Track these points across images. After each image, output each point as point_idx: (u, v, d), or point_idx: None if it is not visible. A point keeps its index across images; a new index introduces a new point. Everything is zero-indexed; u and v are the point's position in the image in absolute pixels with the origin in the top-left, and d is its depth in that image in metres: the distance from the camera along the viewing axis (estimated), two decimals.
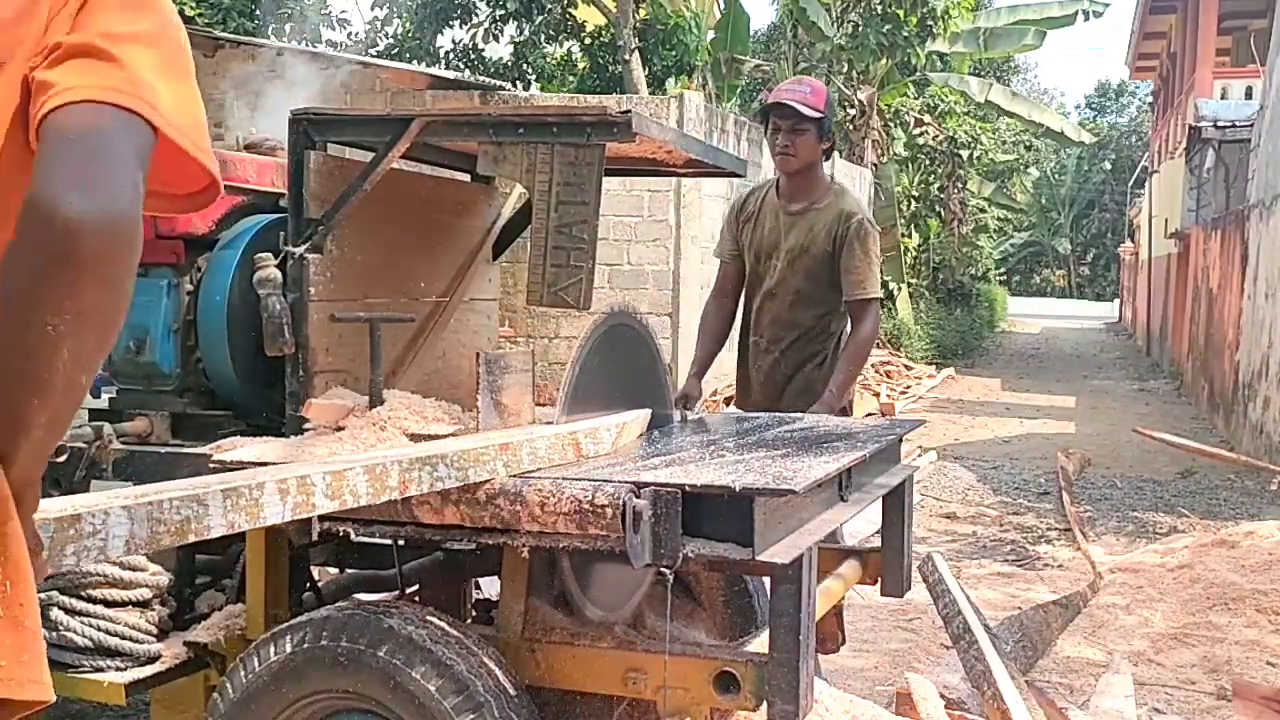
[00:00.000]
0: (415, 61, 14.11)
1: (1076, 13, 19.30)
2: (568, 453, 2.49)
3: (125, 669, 2.73)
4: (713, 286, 4.25)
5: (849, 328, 4.00)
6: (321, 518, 2.31)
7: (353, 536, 2.42)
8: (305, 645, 2.32)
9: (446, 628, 2.33)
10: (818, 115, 3.84)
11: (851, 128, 18.45)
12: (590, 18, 15.01)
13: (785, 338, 4.03)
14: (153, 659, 2.77)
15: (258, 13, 12.43)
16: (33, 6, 1.17)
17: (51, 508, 1.38)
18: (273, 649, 2.35)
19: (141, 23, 1.19)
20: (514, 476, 2.28)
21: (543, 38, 15.09)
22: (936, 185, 22.84)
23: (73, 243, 1.07)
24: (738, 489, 2.17)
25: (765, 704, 2.26)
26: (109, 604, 2.76)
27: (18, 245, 1.09)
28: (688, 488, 2.19)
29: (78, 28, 1.17)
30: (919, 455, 9.24)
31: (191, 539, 1.60)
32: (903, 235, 20.23)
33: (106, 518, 1.46)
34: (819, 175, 4.02)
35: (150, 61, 1.17)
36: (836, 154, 16.76)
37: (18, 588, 1.11)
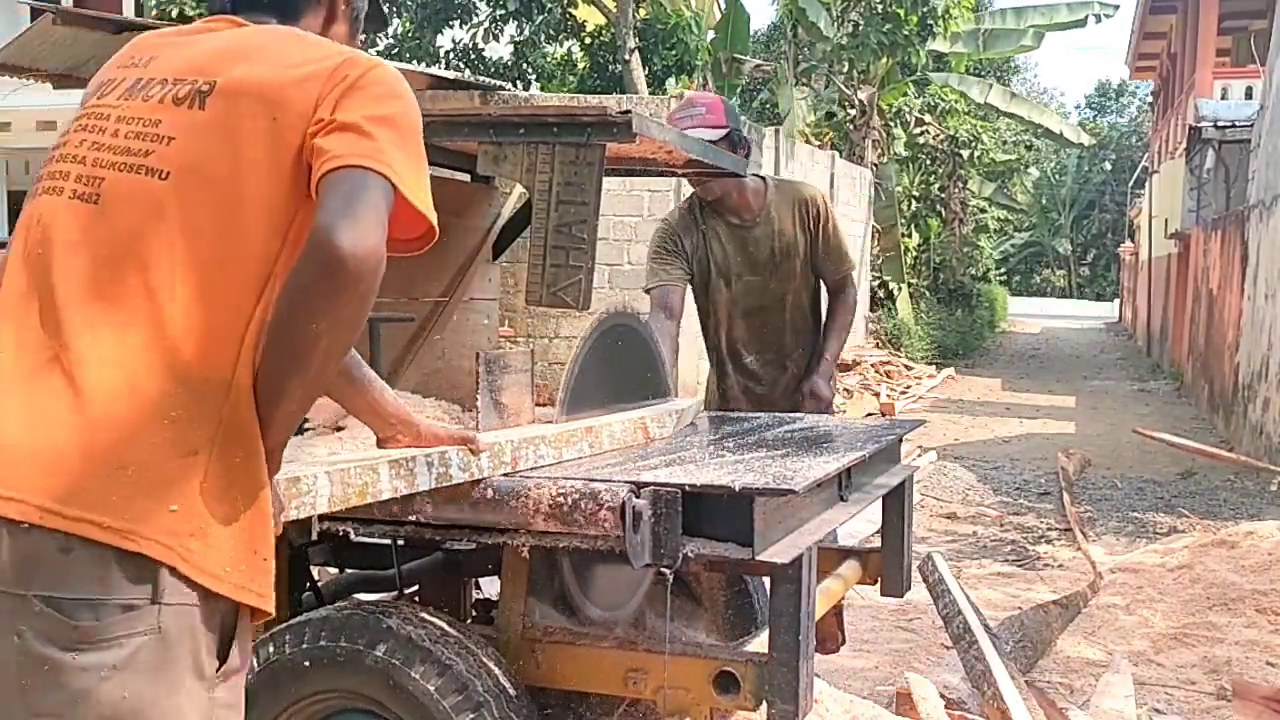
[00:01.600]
0: (415, 61, 14.11)
1: (1087, 16, 19.30)
2: (638, 435, 2.78)
3: None
4: (652, 315, 3.69)
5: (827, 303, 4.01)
6: (321, 517, 2.31)
7: (353, 537, 2.42)
8: (305, 645, 2.32)
9: (446, 627, 2.33)
10: (723, 131, 3.66)
11: (852, 128, 18.47)
12: (590, 17, 15.02)
13: (794, 347, 3.95)
14: None
15: None
16: (305, 82, 1.58)
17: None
18: (272, 649, 2.35)
19: (388, 108, 1.59)
20: (515, 476, 2.28)
21: (543, 37, 15.10)
22: (937, 185, 22.87)
23: (338, 264, 1.45)
24: (738, 489, 2.17)
25: (765, 704, 2.26)
26: None
27: (301, 262, 1.48)
28: (688, 488, 2.19)
29: (340, 109, 1.57)
30: (919, 455, 9.24)
31: (369, 499, 2.03)
32: (903, 235, 20.24)
33: (315, 480, 1.90)
34: (755, 185, 3.88)
35: (393, 137, 1.57)
36: (836, 154, 16.84)
37: (257, 530, 1.53)
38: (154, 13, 12.11)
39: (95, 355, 1.48)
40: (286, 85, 1.59)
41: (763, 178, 3.98)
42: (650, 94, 12.97)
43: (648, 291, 3.85)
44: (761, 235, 3.85)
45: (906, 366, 16.30)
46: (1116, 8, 19.49)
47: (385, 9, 2.12)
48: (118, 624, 1.43)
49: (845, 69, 18.61)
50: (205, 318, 1.52)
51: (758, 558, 2.20)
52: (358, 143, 1.54)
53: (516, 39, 15.04)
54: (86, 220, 1.57)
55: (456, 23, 14.74)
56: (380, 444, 2.14)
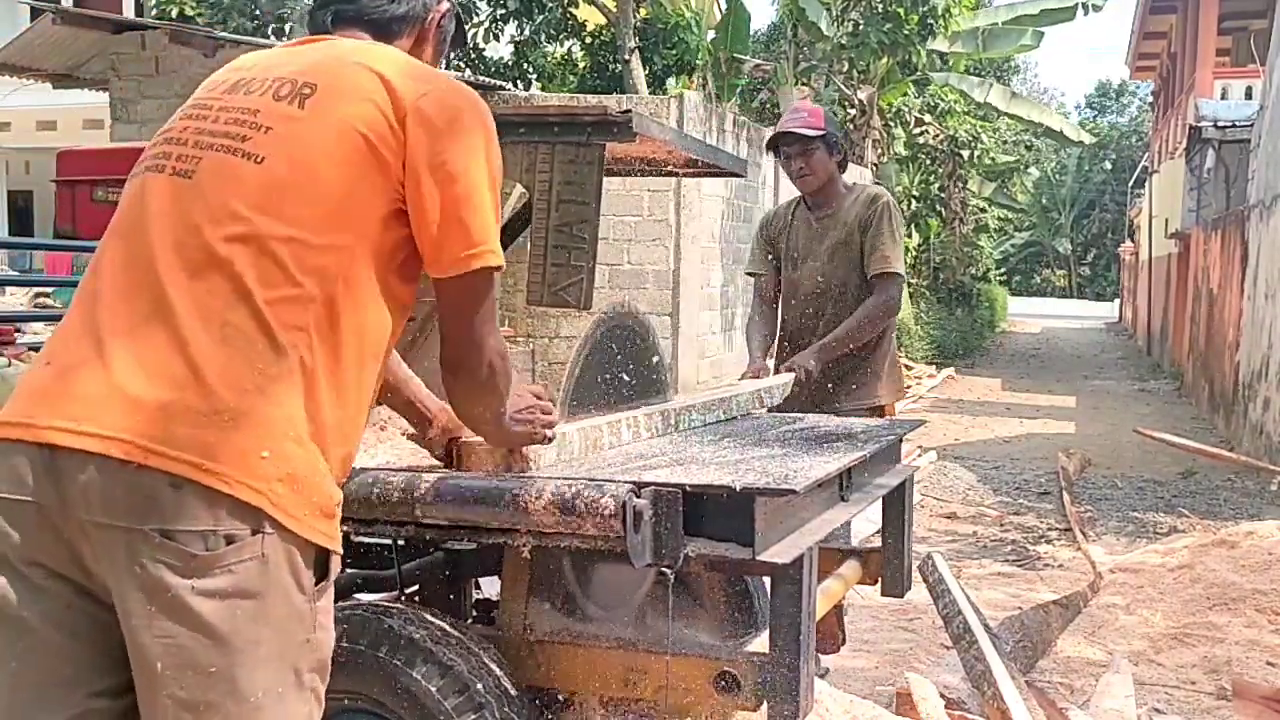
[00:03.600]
0: None
1: (1075, 6, 19.24)
2: (756, 404, 3.41)
3: None
4: (753, 300, 4.47)
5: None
6: None
7: (353, 537, 2.42)
8: (330, 647, 2.32)
9: (447, 628, 2.33)
10: (820, 133, 4.13)
11: (852, 127, 18.44)
12: (590, 17, 15.01)
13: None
14: None
15: (258, 13, 12.43)
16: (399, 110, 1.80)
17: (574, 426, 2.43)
18: None
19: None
20: (514, 476, 2.28)
21: (543, 37, 15.09)
22: (937, 185, 22.86)
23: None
24: (738, 489, 2.17)
25: (765, 704, 2.26)
26: None
27: None
28: (688, 487, 2.19)
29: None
30: (919, 455, 9.24)
31: (599, 449, 2.47)
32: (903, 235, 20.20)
33: (565, 437, 2.36)
34: (837, 187, 4.25)
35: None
36: None
37: (328, 485, 1.70)
38: (154, 13, 12.12)
39: (190, 310, 1.63)
40: (381, 106, 1.76)
41: (852, 182, 4.37)
42: (650, 94, 12.97)
43: (748, 274, 4.58)
44: (830, 225, 4.22)
45: (906, 366, 16.30)
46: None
47: (465, 29, 2.23)
48: (228, 553, 1.58)
49: (845, 69, 18.59)
50: (284, 292, 1.66)
51: (758, 558, 2.20)
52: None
53: (516, 39, 15.04)
54: (180, 192, 1.72)
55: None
56: (419, 437, 2.32)
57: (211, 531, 1.57)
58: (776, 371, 4.16)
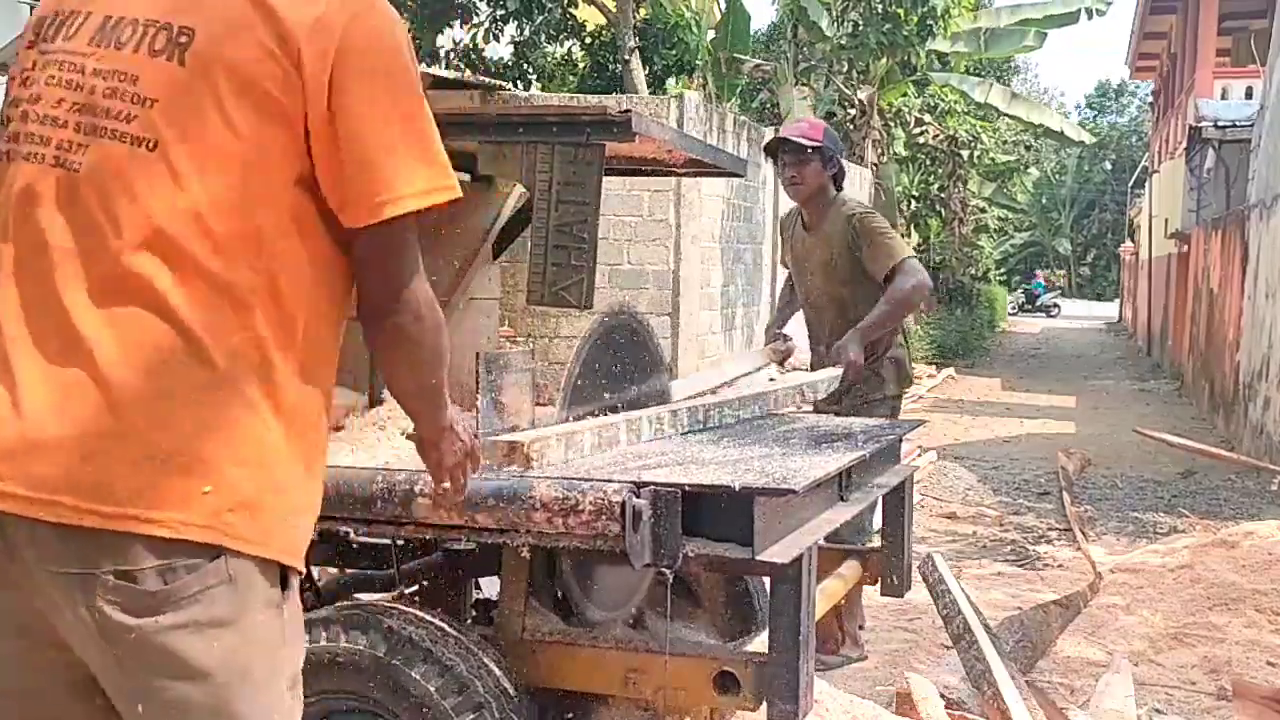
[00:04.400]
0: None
1: (1079, 10, 19.25)
2: (796, 399, 3.53)
3: None
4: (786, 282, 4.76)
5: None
6: (322, 517, 2.31)
7: (353, 536, 2.42)
8: (305, 645, 2.32)
9: (446, 628, 2.33)
10: (816, 145, 4.22)
11: (851, 127, 18.44)
12: (590, 17, 15.00)
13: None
14: None
15: None
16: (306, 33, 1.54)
17: (556, 429, 2.40)
18: None
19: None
20: (515, 477, 2.28)
21: (543, 37, 15.07)
22: (937, 185, 22.85)
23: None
24: (738, 489, 2.17)
25: (765, 704, 2.26)
26: None
27: None
28: (688, 487, 2.19)
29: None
30: (919, 455, 9.23)
31: (610, 448, 2.47)
32: (903, 235, 20.21)
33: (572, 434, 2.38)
34: (828, 200, 4.32)
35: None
36: None
37: (286, 499, 1.57)
38: None
39: (106, 340, 1.45)
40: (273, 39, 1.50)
41: (836, 193, 4.41)
42: (650, 94, 12.96)
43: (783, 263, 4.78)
44: (817, 244, 4.33)
45: None
46: (1109, 3, 19.41)
47: None
48: (190, 581, 1.46)
49: (845, 69, 18.59)
50: (208, 299, 1.48)
51: (758, 558, 2.20)
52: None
53: (516, 39, 15.02)
54: (70, 192, 1.51)
55: (457, 23, 14.73)
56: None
57: (168, 566, 1.45)
58: (814, 365, 4.34)
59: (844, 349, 4.07)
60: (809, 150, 4.22)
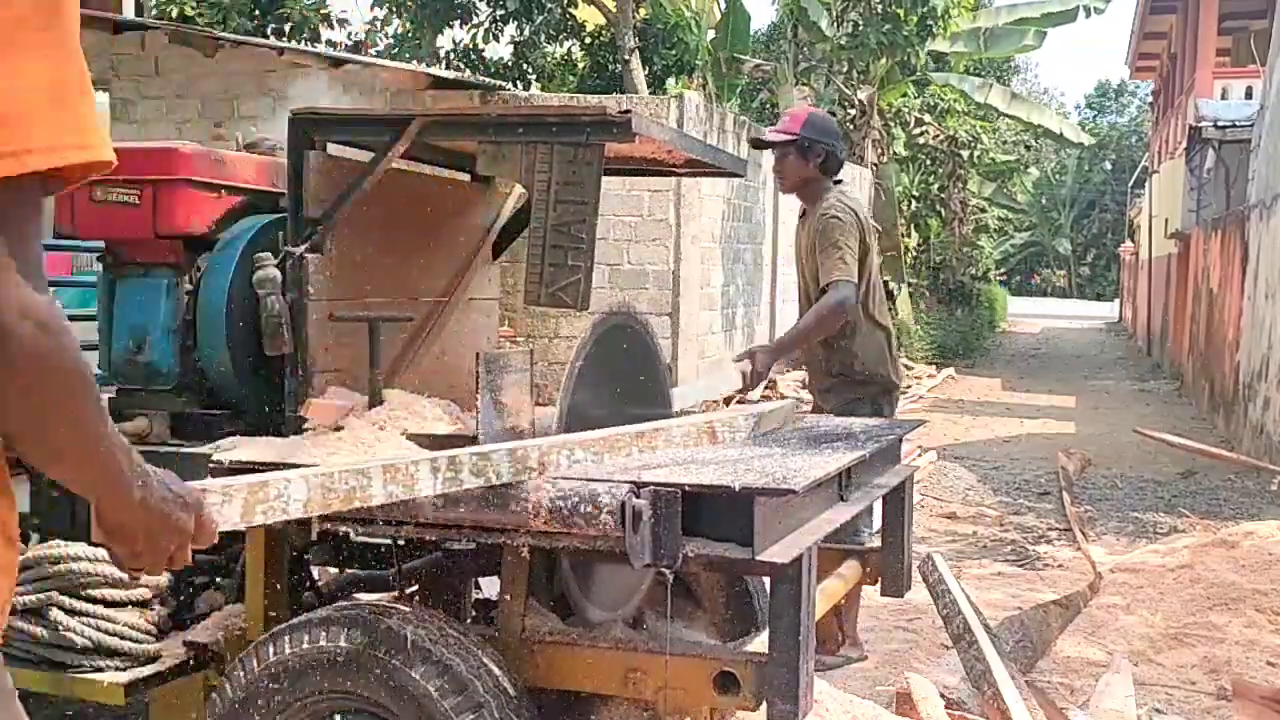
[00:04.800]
0: (415, 61, 14.10)
1: (1077, 9, 19.26)
2: (703, 440, 2.73)
3: (125, 669, 2.73)
4: None
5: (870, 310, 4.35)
6: (322, 517, 2.31)
7: (353, 536, 2.42)
8: (305, 645, 2.32)
9: (446, 628, 2.33)
10: (790, 138, 4.25)
11: (851, 127, 18.44)
12: (590, 17, 15.00)
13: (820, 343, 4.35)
14: (152, 659, 2.77)
15: (257, 12, 12.42)
16: None
17: (243, 479, 1.73)
18: (272, 649, 2.35)
19: None
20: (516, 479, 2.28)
21: (543, 37, 15.08)
22: (937, 185, 22.85)
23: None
24: (738, 489, 2.17)
25: (765, 704, 2.26)
26: (108, 604, 2.76)
27: None
28: (688, 487, 2.19)
29: None
30: (919, 455, 9.23)
31: (356, 504, 1.93)
32: (903, 235, 20.22)
33: (288, 485, 1.78)
34: (819, 190, 4.34)
35: None
36: None
37: None
38: (154, 13, 12.12)
39: None
40: None
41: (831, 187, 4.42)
42: (650, 94, 12.95)
43: None
44: (805, 232, 4.38)
45: (906, 366, 16.30)
46: (1108, 1, 19.43)
47: None
48: None
49: (845, 69, 18.59)
50: None
51: (758, 558, 2.19)
52: None
53: (516, 39, 15.02)
54: None
55: (456, 23, 14.73)
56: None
57: None
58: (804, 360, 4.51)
59: (755, 356, 4.15)
60: (783, 145, 4.29)
